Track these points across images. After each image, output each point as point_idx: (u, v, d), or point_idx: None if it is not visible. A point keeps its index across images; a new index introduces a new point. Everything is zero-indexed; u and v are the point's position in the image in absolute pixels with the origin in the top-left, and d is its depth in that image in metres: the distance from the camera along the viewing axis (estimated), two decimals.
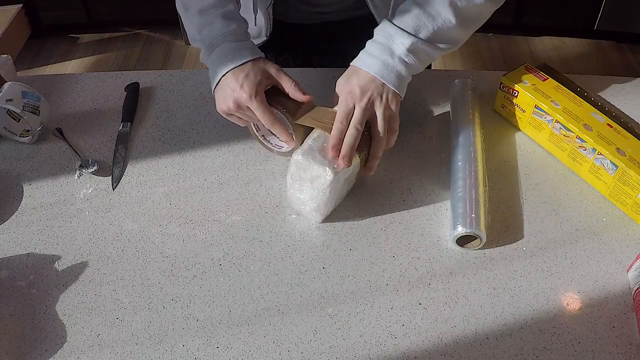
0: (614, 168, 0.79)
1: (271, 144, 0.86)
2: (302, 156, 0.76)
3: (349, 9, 1.06)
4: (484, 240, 0.75)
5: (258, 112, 0.79)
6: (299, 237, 0.78)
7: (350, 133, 0.76)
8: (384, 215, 0.80)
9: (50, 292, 0.73)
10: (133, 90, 1.00)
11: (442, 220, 0.80)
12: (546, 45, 2.64)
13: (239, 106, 0.80)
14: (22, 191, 0.85)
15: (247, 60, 0.80)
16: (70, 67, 2.59)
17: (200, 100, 0.99)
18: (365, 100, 0.78)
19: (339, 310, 0.70)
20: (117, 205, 0.83)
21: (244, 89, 0.78)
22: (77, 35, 2.77)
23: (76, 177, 0.87)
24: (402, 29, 0.79)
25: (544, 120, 0.87)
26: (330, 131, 0.78)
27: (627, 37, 2.59)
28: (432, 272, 0.74)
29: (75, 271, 0.75)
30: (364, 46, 1.02)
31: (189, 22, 0.86)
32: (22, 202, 0.84)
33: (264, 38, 1.04)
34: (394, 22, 0.80)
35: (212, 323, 0.69)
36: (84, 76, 1.06)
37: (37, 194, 0.85)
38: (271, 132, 0.83)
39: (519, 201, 0.82)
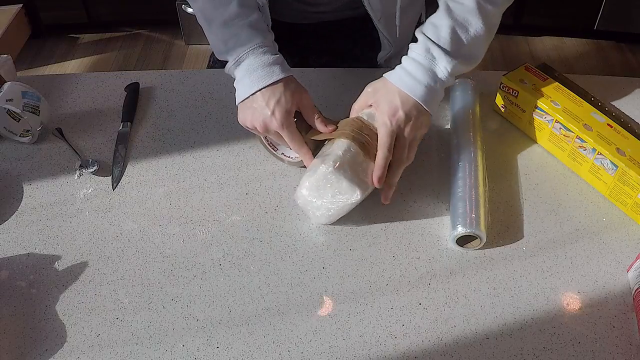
0: (614, 168, 0.79)
1: (282, 154, 0.87)
2: (334, 170, 0.74)
3: (345, 8, 1.06)
4: (484, 240, 0.75)
5: (289, 140, 0.80)
6: (299, 237, 0.78)
7: (399, 166, 0.77)
8: (384, 215, 0.80)
9: (50, 292, 0.73)
10: (133, 90, 1.00)
11: (442, 220, 0.80)
12: (546, 45, 2.64)
13: (267, 130, 0.80)
14: (22, 191, 0.85)
15: (278, 80, 0.80)
16: (70, 67, 2.59)
17: (200, 100, 0.99)
18: (409, 128, 0.78)
19: (339, 310, 0.70)
20: (117, 205, 0.83)
21: (275, 117, 0.78)
22: (77, 35, 2.77)
23: (76, 177, 0.87)
24: (444, 50, 0.78)
25: (544, 120, 0.87)
26: (348, 136, 0.77)
27: (627, 37, 2.59)
28: (432, 272, 0.74)
29: (75, 271, 0.75)
30: (360, 45, 1.01)
31: (213, 35, 0.85)
32: (22, 202, 0.84)
33: None
34: (430, 36, 0.79)
35: (212, 323, 0.69)
36: (84, 76, 1.06)
37: (37, 194, 0.85)
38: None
39: (519, 201, 0.82)
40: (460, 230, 0.74)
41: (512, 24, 2.55)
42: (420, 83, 0.78)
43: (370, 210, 0.81)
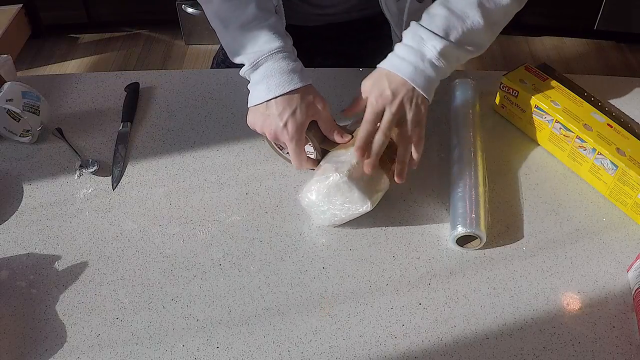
0: (614, 168, 0.79)
1: (288, 153, 0.86)
2: (347, 180, 0.73)
3: (352, 10, 1.06)
4: (484, 240, 0.75)
5: (294, 155, 0.79)
6: (299, 237, 0.78)
7: (378, 140, 0.75)
8: (384, 215, 0.80)
9: (50, 292, 0.73)
10: (133, 90, 1.00)
11: (442, 220, 0.80)
12: (546, 45, 2.64)
13: (275, 139, 0.80)
14: (22, 191, 0.85)
15: (295, 89, 0.78)
16: (70, 67, 2.59)
17: (200, 100, 0.99)
18: (396, 103, 0.76)
19: (339, 310, 0.70)
20: (117, 205, 0.83)
21: (287, 129, 0.77)
22: (77, 35, 2.77)
23: (76, 177, 0.87)
24: (433, 32, 0.77)
25: (544, 120, 0.87)
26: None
27: (627, 37, 2.59)
28: (432, 272, 0.74)
29: (75, 271, 0.75)
30: (367, 47, 1.01)
31: (230, 38, 0.82)
32: (22, 202, 0.84)
33: None
34: (423, 24, 0.79)
35: (212, 323, 0.69)
36: (84, 76, 1.06)
37: (37, 194, 0.85)
38: None
39: (519, 201, 0.82)
40: (460, 230, 0.74)
41: (512, 24, 2.53)
42: (407, 62, 0.78)
43: (370, 210, 0.81)
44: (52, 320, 0.70)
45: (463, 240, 0.76)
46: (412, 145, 0.78)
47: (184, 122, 0.96)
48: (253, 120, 0.81)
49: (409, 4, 0.97)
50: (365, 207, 0.75)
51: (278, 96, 0.77)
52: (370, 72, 0.81)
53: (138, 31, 2.79)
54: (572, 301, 0.71)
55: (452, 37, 0.78)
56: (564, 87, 0.88)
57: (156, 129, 0.95)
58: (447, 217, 0.79)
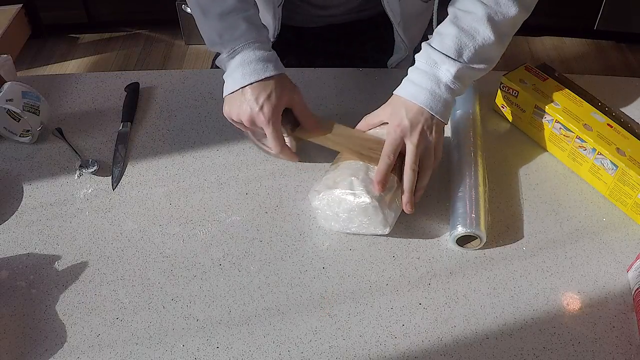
0: (614, 168, 0.79)
1: (268, 147, 0.86)
2: (378, 206, 0.72)
3: (354, 11, 1.06)
4: (484, 240, 0.75)
5: (271, 138, 0.80)
6: (299, 237, 0.78)
7: (409, 176, 0.75)
8: None
9: (50, 292, 0.73)
10: (133, 90, 1.00)
11: (442, 220, 0.80)
12: (546, 45, 2.64)
13: (252, 124, 0.80)
14: (22, 191, 0.85)
15: (270, 76, 0.79)
16: (70, 67, 2.59)
17: (200, 100, 0.99)
18: (416, 135, 0.76)
19: (339, 310, 0.70)
20: (117, 205, 0.83)
21: (263, 112, 0.78)
22: (77, 35, 2.77)
23: (76, 177, 0.87)
24: (446, 55, 0.77)
25: (544, 120, 0.87)
26: (355, 156, 0.77)
27: (627, 37, 2.59)
28: (432, 272, 0.74)
29: (75, 271, 0.75)
30: (368, 48, 1.01)
31: (208, 26, 0.84)
32: (22, 202, 0.84)
33: (271, 40, 1.04)
34: (434, 45, 0.79)
35: (212, 323, 0.69)
36: (84, 76, 1.06)
37: (37, 194, 0.85)
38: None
39: (519, 201, 0.82)
40: (460, 230, 0.74)
41: None
42: (423, 88, 0.78)
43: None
44: (52, 320, 0.70)
45: (463, 240, 0.76)
46: (431, 171, 0.78)
47: (184, 122, 0.96)
48: (229, 109, 0.82)
49: (412, 4, 0.97)
50: (385, 230, 0.74)
51: (254, 82, 0.79)
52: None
53: (138, 31, 2.79)
54: (572, 301, 0.71)
55: (465, 57, 0.78)
56: (564, 87, 0.88)
57: (156, 129, 0.95)
58: (447, 217, 0.79)
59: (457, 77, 0.78)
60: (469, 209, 0.76)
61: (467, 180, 0.80)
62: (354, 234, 0.78)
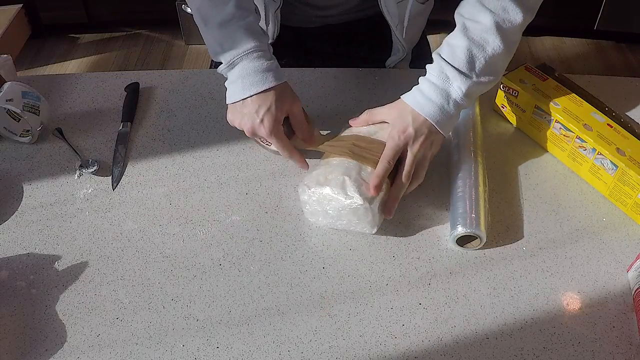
0: (614, 168, 0.79)
1: (270, 145, 0.87)
2: (369, 207, 0.72)
3: (352, 11, 1.06)
4: (484, 240, 0.75)
5: (278, 147, 0.81)
6: (299, 237, 0.78)
7: (399, 185, 0.76)
8: None
9: (50, 292, 0.73)
10: (133, 90, 1.00)
11: (442, 220, 0.80)
12: (546, 45, 2.64)
13: (254, 135, 0.82)
14: (22, 191, 0.85)
15: (270, 87, 0.80)
16: (70, 67, 2.59)
17: (200, 100, 0.99)
18: (417, 145, 0.77)
19: (339, 310, 0.70)
20: (117, 205, 0.83)
21: (264, 125, 0.79)
22: (77, 35, 2.77)
23: (76, 177, 0.87)
24: (458, 70, 0.77)
25: (544, 120, 0.87)
26: (350, 156, 0.77)
27: (627, 37, 2.59)
28: (432, 272, 0.74)
29: (75, 271, 0.75)
30: (366, 48, 1.01)
31: (210, 35, 0.83)
32: (22, 202, 0.84)
33: (270, 41, 1.04)
34: (446, 57, 0.79)
35: (212, 323, 0.69)
36: (84, 76, 1.06)
37: (37, 194, 0.85)
38: None
39: (519, 201, 0.82)
40: (460, 230, 0.74)
41: None
42: (433, 103, 0.78)
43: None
44: (52, 320, 0.70)
45: (463, 240, 0.76)
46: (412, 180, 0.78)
47: (184, 122, 0.96)
48: (232, 117, 0.83)
49: (410, 5, 0.97)
50: (373, 230, 0.75)
51: (253, 94, 0.79)
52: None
53: (138, 31, 2.79)
54: (572, 301, 0.71)
55: (477, 69, 0.78)
56: (564, 87, 0.88)
57: (156, 129, 0.95)
58: (447, 217, 0.79)
59: (467, 94, 0.78)
60: (469, 209, 0.76)
61: (467, 180, 0.80)
62: (353, 232, 0.78)
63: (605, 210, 0.81)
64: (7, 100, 0.89)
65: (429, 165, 0.80)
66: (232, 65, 0.81)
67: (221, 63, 0.83)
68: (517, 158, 0.89)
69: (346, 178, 0.74)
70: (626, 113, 0.91)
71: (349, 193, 0.73)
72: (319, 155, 0.84)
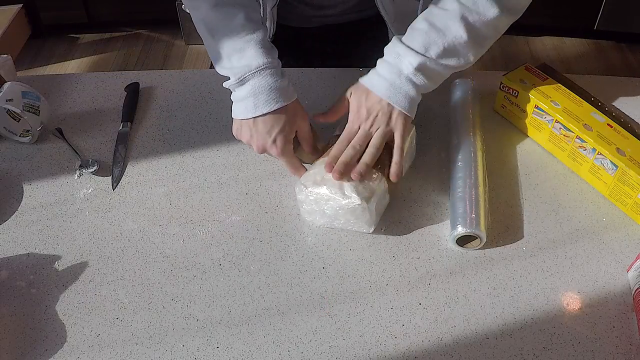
0: (614, 168, 0.79)
1: None
2: (367, 206, 0.73)
3: (350, 11, 1.06)
4: (484, 240, 0.75)
5: (288, 166, 0.82)
6: (299, 237, 0.78)
7: (347, 154, 0.76)
8: (384, 215, 0.80)
9: (50, 292, 0.73)
10: (133, 90, 1.00)
11: (442, 220, 0.80)
12: (546, 45, 2.64)
13: (263, 152, 0.82)
14: (22, 191, 0.85)
15: (283, 106, 0.79)
16: (70, 67, 2.59)
17: (200, 100, 0.99)
18: (369, 122, 0.78)
19: (339, 310, 0.70)
20: (117, 205, 0.83)
21: (276, 145, 0.79)
22: (77, 35, 2.77)
23: (76, 177, 0.87)
24: (411, 48, 0.77)
25: (544, 120, 0.87)
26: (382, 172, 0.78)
27: (627, 37, 2.59)
28: (432, 272, 0.74)
29: (75, 271, 0.75)
30: (365, 48, 1.01)
31: (216, 48, 0.81)
32: (22, 202, 0.84)
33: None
34: (403, 40, 0.79)
35: (212, 323, 0.69)
36: (84, 76, 1.06)
37: (37, 194, 0.85)
38: None
39: (519, 201, 0.82)
40: (460, 230, 0.74)
41: (512, 24, 2.55)
42: (384, 79, 0.78)
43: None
44: (52, 320, 0.70)
45: (463, 240, 0.76)
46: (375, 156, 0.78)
47: (184, 122, 0.96)
48: (240, 133, 0.82)
49: (405, 3, 0.97)
50: (370, 229, 0.76)
51: (266, 113, 0.78)
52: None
53: (138, 31, 2.79)
54: (572, 301, 0.71)
55: (432, 53, 0.77)
56: (564, 87, 0.88)
57: (156, 129, 0.95)
58: (447, 217, 0.79)
59: (420, 69, 0.77)
60: (469, 209, 0.76)
61: (467, 180, 0.80)
62: (353, 232, 0.78)
63: (605, 210, 0.81)
64: (7, 100, 0.89)
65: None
66: (242, 82, 0.79)
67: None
68: (517, 158, 0.89)
69: (344, 182, 0.75)
70: (626, 113, 0.91)
71: (346, 193, 0.73)
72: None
